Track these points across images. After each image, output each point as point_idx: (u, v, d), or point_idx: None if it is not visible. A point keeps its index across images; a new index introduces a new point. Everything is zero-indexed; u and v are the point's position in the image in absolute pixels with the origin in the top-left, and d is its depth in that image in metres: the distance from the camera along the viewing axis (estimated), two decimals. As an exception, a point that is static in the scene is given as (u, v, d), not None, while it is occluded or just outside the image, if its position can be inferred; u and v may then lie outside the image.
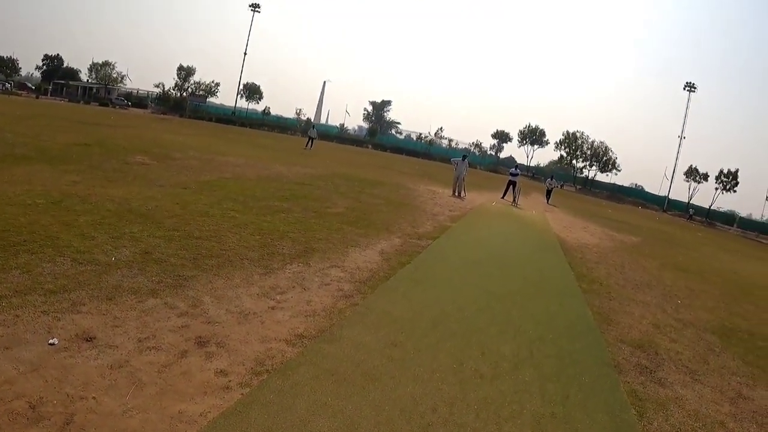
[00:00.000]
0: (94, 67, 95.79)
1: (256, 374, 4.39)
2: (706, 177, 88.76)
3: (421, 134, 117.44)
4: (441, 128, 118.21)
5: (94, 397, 3.71)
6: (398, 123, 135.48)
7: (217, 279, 6.37)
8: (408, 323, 6.13)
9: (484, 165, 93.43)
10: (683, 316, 9.41)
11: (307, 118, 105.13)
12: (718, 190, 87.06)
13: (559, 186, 29.77)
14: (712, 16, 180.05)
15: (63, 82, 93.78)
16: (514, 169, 30.82)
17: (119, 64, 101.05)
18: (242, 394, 4.08)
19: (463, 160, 24.50)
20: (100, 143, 18.95)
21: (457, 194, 23.08)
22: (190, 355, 4.51)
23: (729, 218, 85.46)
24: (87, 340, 4.44)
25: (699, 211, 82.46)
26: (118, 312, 5.06)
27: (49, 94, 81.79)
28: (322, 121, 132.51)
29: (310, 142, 43.54)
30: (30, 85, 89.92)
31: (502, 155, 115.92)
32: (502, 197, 28.54)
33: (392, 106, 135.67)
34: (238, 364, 4.51)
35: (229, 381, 4.23)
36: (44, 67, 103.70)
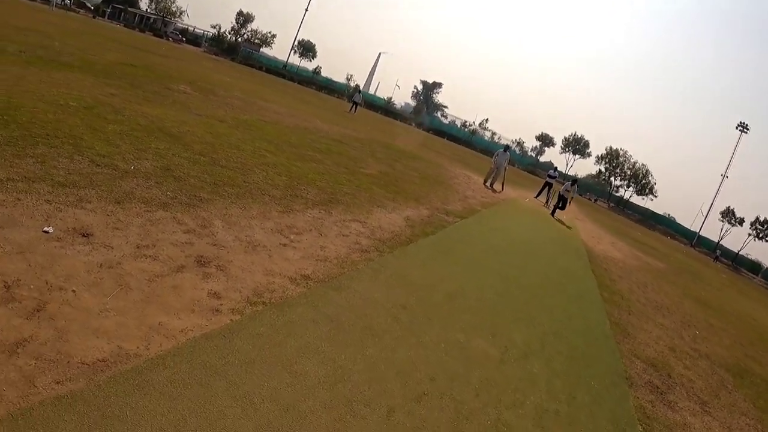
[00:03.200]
0: None
1: (251, 304, 4.10)
2: (741, 221, 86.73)
3: (465, 122, 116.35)
4: (486, 119, 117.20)
5: (74, 291, 3.44)
6: (445, 107, 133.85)
7: (234, 207, 6.09)
8: (423, 290, 5.79)
9: (523, 165, 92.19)
10: (700, 347, 8.97)
11: (356, 85, 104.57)
12: (751, 236, 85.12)
13: (575, 195, 28.40)
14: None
15: (122, 7, 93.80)
16: (552, 171, 30.09)
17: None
18: (231, 320, 3.79)
19: (505, 151, 23.84)
20: (147, 67, 18.80)
21: (490, 185, 22.41)
22: (186, 272, 4.23)
23: (755, 267, 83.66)
24: (83, 236, 4.19)
25: (726, 253, 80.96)
26: (123, 216, 4.80)
27: (106, 17, 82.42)
28: (371, 91, 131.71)
29: (354, 107, 43.17)
30: (89, 4, 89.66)
31: (543, 158, 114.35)
32: (536, 196, 27.91)
33: (442, 89, 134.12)
34: (234, 290, 4.22)
35: (221, 304, 3.94)
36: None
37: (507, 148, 24.66)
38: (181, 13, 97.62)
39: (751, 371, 8.85)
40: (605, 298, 9.44)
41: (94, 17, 74.00)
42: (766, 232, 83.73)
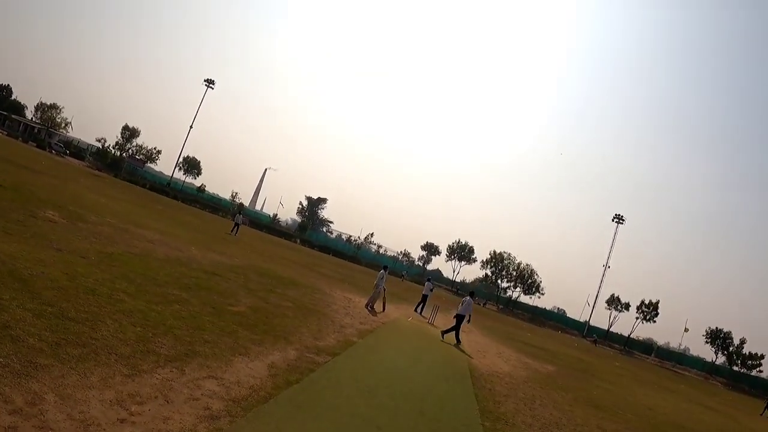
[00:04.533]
0: (41, 107, 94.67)
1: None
2: (627, 306, 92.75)
3: (351, 236, 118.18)
4: (371, 234, 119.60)
5: None
6: (330, 222, 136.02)
7: (72, 374, 5.75)
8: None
9: (411, 275, 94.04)
10: None
11: (240, 203, 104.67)
12: (638, 320, 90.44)
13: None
14: (643, 157, 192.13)
15: (6, 114, 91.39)
16: (428, 282, 31.54)
17: (67, 109, 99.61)
18: None
19: (385, 270, 24.30)
20: (15, 188, 18.07)
21: (370, 306, 22.57)
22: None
23: (647, 348, 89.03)
24: None
25: (615, 339, 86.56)
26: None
27: None
28: (258, 207, 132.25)
29: (235, 228, 43.12)
30: None
31: (430, 267, 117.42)
32: (416, 310, 28.41)
33: (327, 204, 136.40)
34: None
35: None
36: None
37: (385, 268, 25.10)
38: (66, 125, 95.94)
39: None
40: (487, 428, 9.46)
41: (-24, 124, 71.36)
42: (651, 314, 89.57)
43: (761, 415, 33.76)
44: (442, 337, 20.40)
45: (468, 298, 22.78)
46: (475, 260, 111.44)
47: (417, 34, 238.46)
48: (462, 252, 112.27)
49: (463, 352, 18.76)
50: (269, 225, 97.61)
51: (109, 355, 6.62)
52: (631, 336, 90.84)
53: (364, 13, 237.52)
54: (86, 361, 6.20)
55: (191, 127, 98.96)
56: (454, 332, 20.67)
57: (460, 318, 21.00)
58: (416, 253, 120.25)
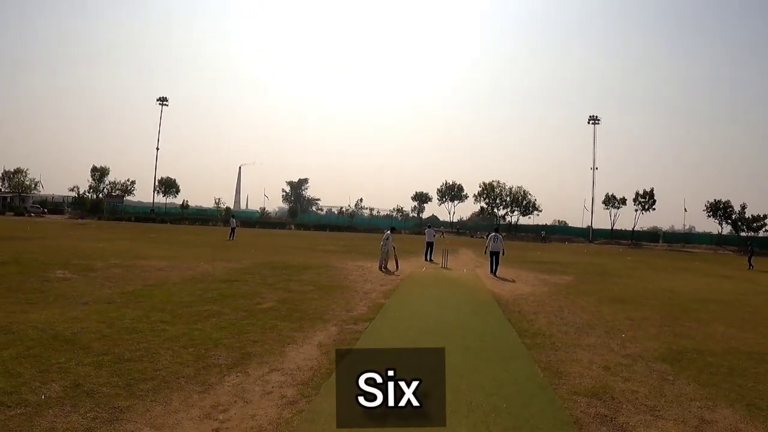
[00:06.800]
0: (6, 176, 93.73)
1: None
2: (624, 201, 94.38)
3: (342, 208, 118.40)
4: (361, 199, 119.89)
5: None
6: (317, 199, 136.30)
7: (155, 406, 6.18)
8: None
9: (409, 228, 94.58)
10: (630, 350, 9.72)
11: (227, 207, 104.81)
12: (638, 211, 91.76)
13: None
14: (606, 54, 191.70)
15: None
16: (428, 228, 32.45)
17: (31, 170, 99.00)
18: None
19: (391, 232, 24.78)
20: (16, 260, 18.31)
21: (384, 267, 23.15)
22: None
23: (653, 236, 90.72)
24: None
25: (622, 235, 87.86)
26: (55, 461, 4.84)
27: None
28: (242, 207, 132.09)
29: (232, 233, 43.50)
30: None
31: (424, 215, 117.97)
32: (427, 259, 29.10)
33: (309, 184, 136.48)
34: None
35: None
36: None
37: (392, 229, 25.66)
38: (35, 185, 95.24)
39: (685, 350, 9.75)
40: (528, 345, 10.03)
41: (-52, 209, 70.78)
42: (649, 202, 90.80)
43: None
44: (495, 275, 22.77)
45: (493, 233, 24.77)
46: (466, 197, 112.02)
47: None
48: (452, 192, 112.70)
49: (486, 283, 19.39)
50: (260, 220, 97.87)
51: (177, 380, 7.06)
52: (636, 229, 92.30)
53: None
54: (160, 391, 6.64)
55: (157, 148, 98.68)
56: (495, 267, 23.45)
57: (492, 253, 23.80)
58: (408, 205, 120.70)
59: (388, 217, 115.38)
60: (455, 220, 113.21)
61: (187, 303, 12.39)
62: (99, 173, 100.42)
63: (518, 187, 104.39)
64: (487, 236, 25.29)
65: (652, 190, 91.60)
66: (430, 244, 30.24)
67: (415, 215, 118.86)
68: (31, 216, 72.55)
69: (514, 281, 20.95)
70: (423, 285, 19.26)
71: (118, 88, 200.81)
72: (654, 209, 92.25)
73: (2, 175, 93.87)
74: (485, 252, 24.50)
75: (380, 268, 23.19)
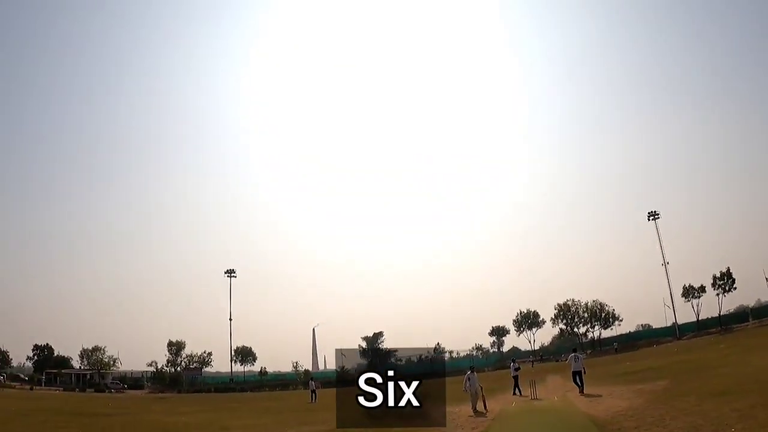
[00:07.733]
0: (85, 353, 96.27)
1: None
2: (703, 289, 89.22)
3: (421, 355, 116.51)
4: (438, 343, 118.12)
5: None
6: (395, 351, 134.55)
7: None
8: None
9: (491, 365, 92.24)
10: None
11: (305, 370, 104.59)
12: (720, 295, 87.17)
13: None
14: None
15: (55, 371, 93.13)
16: (512, 363, 32.35)
17: (109, 347, 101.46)
18: None
19: (472, 372, 24.49)
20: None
21: (475, 410, 22.66)
22: None
23: (742, 315, 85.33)
24: None
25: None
26: None
27: (42, 384, 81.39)
28: (321, 367, 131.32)
29: (313, 395, 43.33)
30: (23, 376, 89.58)
31: (505, 349, 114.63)
32: (514, 394, 28.47)
33: (385, 336, 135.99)
34: None
35: None
36: (35, 357, 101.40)
37: (471, 369, 25.37)
38: (114, 362, 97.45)
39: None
40: None
41: (31, 388, 73.02)
42: (728, 283, 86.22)
43: None
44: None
45: (573, 354, 24.76)
46: (543, 322, 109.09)
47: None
48: (528, 320, 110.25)
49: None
50: (340, 379, 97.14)
51: None
52: (722, 313, 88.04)
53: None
54: None
55: (230, 319, 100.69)
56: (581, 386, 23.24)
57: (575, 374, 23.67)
58: (486, 341, 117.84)
59: (468, 357, 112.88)
60: (537, 347, 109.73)
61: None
62: (176, 347, 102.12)
63: (594, 300, 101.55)
64: (568, 358, 24.97)
65: (728, 269, 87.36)
66: (515, 378, 29.70)
67: (495, 350, 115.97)
68: (111, 392, 73.79)
69: (608, 397, 20.33)
70: (515, 420, 18.89)
71: (187, 263, 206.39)
72: (735, 288, 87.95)
73: (81, 353, 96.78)
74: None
75: (473, 410, 22.72)
